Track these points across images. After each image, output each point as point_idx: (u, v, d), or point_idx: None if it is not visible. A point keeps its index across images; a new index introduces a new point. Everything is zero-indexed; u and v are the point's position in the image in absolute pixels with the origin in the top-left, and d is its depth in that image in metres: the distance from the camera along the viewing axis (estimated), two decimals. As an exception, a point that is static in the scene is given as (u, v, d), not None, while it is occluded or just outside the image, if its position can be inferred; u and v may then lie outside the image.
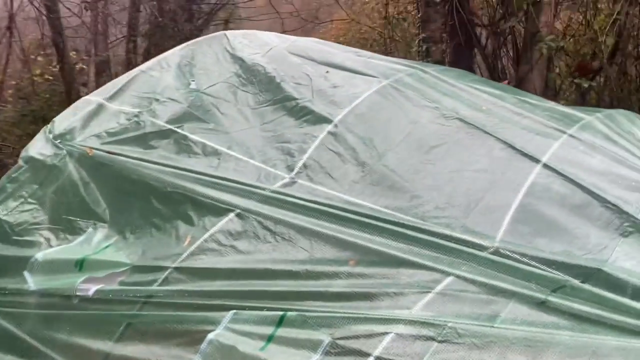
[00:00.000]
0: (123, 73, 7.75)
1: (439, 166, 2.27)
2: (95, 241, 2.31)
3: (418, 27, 4.19)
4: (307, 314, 1.83)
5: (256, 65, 2.78)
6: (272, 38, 3.10)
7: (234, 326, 1.87)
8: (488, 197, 2.14)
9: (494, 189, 2.18)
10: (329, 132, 2.37)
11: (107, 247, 2.25)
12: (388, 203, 2.12)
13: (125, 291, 2.04)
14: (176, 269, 2.06)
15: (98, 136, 2.48)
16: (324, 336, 1.77)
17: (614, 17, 3.59)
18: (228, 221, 2.14)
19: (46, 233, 2.36)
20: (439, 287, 1.83)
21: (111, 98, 2.61)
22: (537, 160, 2.23)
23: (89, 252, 2.23)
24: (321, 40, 3.21)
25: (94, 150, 2.41)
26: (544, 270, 1.82)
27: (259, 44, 2.96)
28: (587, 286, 1.76)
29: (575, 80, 3.53)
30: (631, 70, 3.60)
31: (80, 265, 2.19)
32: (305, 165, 2.28)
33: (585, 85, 3.42)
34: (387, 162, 2.27)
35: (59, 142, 2.45)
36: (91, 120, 2.53)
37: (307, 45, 3.01)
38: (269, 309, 1.88)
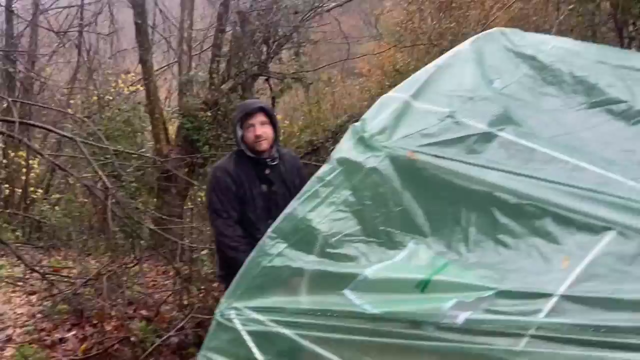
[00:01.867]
0: (204, 94, 7.94)
1: None
2: (425, 258, 1.98)
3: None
4: None
5: (553, 64, 2.46)
6: (541, 37, 2.79)
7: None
8: None
9: None
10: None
11: (445, 266, 1.92)
12: None
13: (507, 322, 1.70)
14: (563, 297, 1.71)
15: (410, 137, 2.14)
16: None
17: None
18: (610, 241, 1.79)
19: (361, 246, 2.02)
20: None
21: (415, 96, 2.28)
22: None
23: (427, 271, 1.90)
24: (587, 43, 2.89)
25: (416, 154, 2.09)
26: None
27: (536, 42, 2.65)
28: None
29: None
30: None
31: (423, 286, 1.86)
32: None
33: None
34: None
35: (374, 143, 2.12)
36: (400, 120, 2.20)
37: (586, 46, 2.70)
38: None
